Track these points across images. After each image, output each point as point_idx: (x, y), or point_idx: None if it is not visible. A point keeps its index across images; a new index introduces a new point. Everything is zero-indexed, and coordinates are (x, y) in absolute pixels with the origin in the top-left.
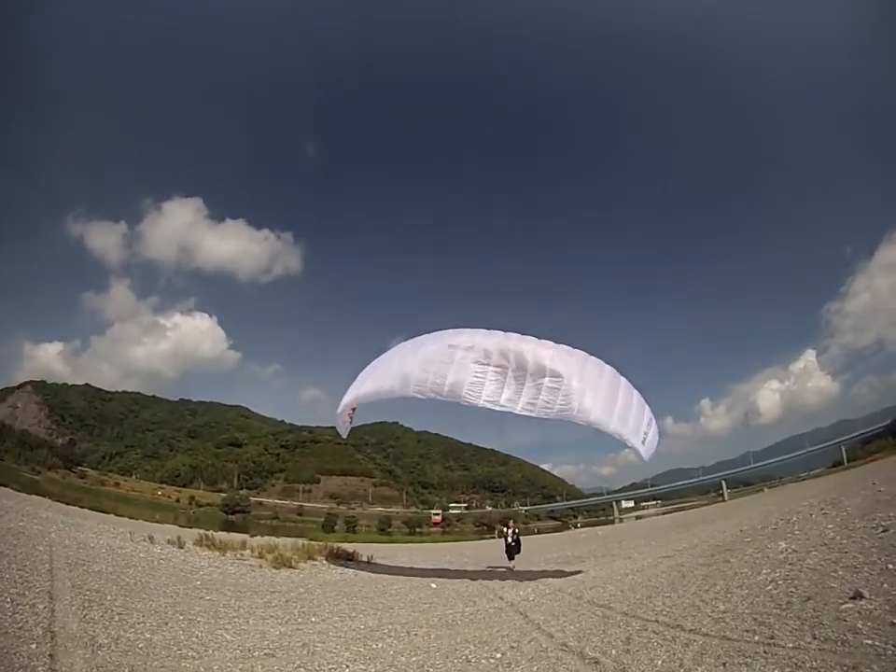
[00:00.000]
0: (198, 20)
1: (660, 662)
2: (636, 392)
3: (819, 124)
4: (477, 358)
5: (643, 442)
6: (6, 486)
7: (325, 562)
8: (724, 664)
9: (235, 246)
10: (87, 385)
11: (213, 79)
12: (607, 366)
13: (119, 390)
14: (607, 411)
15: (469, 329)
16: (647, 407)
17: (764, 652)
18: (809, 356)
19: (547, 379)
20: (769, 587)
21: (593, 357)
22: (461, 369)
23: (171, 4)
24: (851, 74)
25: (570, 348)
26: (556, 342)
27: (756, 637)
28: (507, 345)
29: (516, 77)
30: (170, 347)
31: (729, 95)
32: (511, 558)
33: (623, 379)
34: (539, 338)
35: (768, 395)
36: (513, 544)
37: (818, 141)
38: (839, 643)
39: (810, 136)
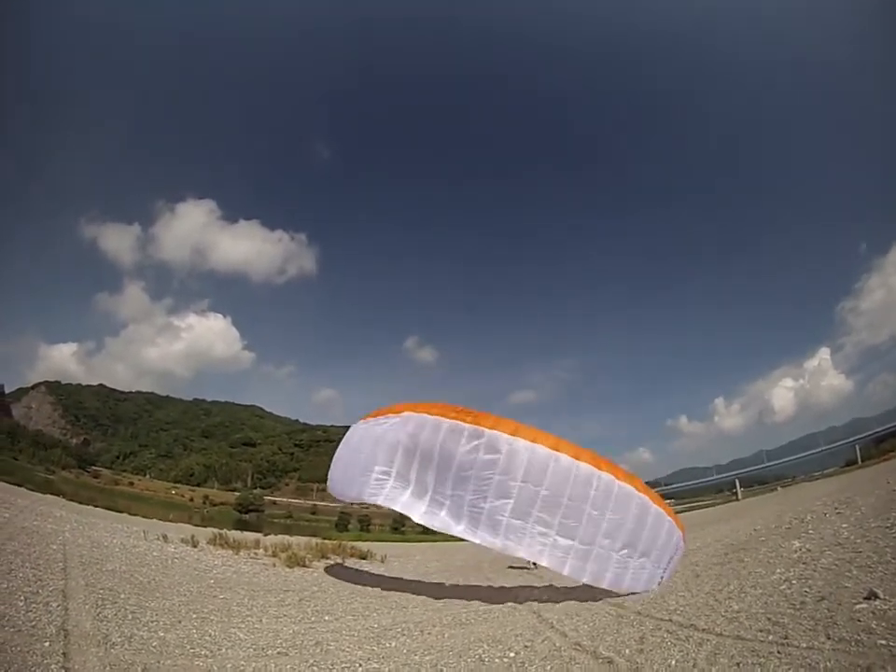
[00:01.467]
0: (199, 20)
1: (673, 661)
2: (666, 522)
3: (828, 120)
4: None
5: (657, 584)
6: (20, 486)
7: (338, 561)
8: (738, 663)
9: (249, 247)
10: (101, 385)
11: (219, 80)
12: (633, 498)
13: (134, 390)
14: (621, 577)
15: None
16: (674, 536)
17: (778, 652)
18: (824, 354)
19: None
20: (783, 587)
21: (618, 487)
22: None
23: (172, 4)
24: (857, 70)
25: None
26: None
27: (770, 637)
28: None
29: (516, 77)
30: (184, 348)
31: (730, 95)
32: None
33: (650, 511)
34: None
35: (782, 393)
36: None
37: (828, 137)
38: (853, 643)
39: (820, 132)
